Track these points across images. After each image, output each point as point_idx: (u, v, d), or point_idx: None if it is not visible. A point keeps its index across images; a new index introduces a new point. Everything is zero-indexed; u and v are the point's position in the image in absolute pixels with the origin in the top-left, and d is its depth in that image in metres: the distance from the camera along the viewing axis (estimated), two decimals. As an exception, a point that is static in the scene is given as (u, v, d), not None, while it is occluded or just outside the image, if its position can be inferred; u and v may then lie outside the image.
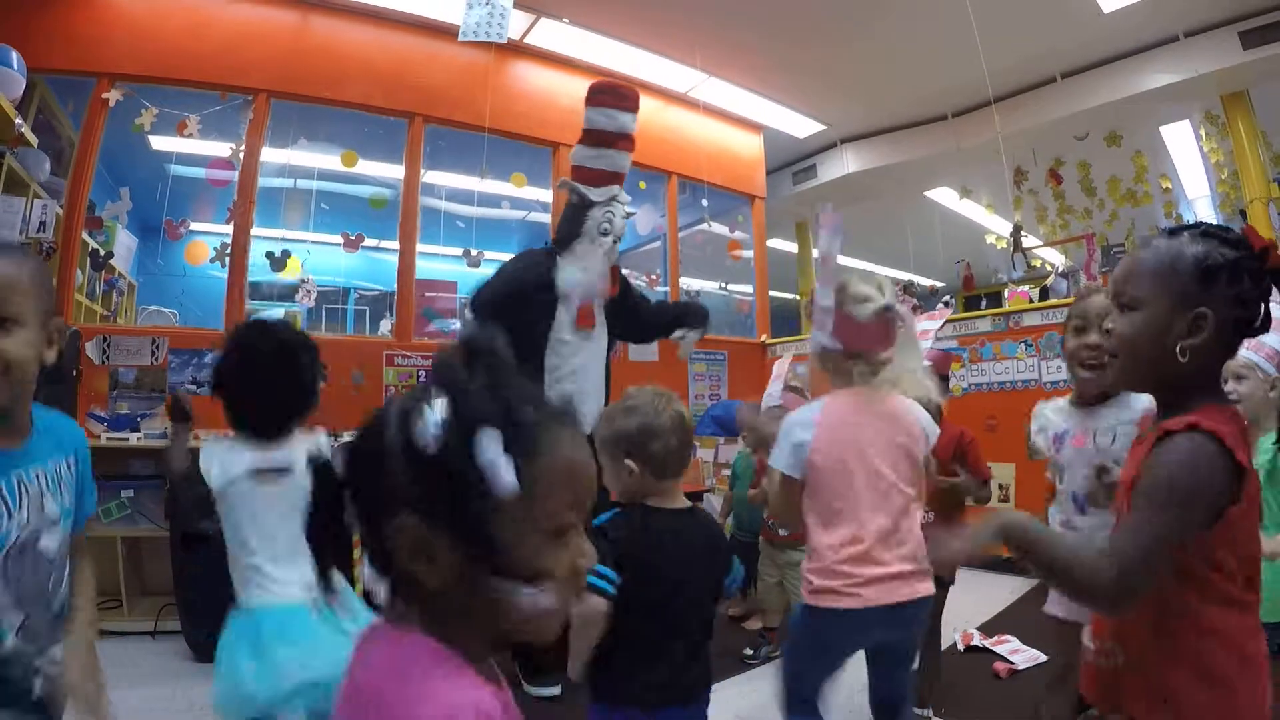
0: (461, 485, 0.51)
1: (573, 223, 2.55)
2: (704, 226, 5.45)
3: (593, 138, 2.57)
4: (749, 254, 5.81)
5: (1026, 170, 6.12)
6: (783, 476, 1.44)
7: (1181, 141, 5.89)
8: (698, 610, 1.29)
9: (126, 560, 2.93)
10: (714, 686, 1.32)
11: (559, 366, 2.49)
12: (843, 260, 1.50)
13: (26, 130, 2.91)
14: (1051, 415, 1.60)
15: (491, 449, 0.51)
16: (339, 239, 4.08)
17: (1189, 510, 0.82)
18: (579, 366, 2.52)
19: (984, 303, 7.70)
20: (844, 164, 6.51)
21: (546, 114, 4.67)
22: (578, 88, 4.83)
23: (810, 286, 1.59)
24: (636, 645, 1.22)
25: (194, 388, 3.27)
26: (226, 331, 1.57)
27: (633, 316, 2.76)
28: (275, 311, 4.54)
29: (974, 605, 3.04)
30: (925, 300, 7.16)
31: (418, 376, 3.87)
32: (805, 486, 1.43)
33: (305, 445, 1.50)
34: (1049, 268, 7.22)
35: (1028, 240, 6.48)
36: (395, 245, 4.22)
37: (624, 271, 2.81)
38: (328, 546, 0.58)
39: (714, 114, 5.57)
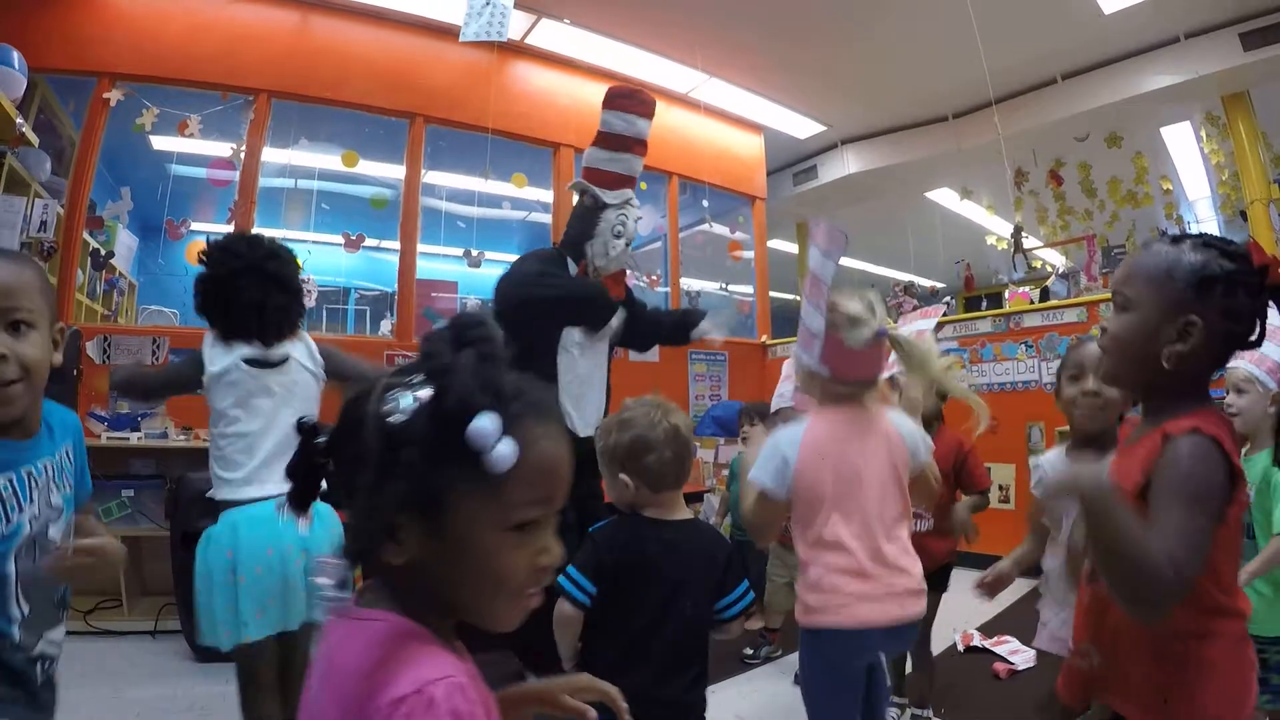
0: (426, 469, 0.52)
1: (585, 224, 2.53)
2: (705, 227, 5.46)
3: (610, 141, 2.56)
4: (749, 254, 5.82)
5: (1027, 171, 6.12)
6: (761, 492, 1.36)
7: (1182, 143, 5.89)
8: (690, 622, 1.27)
9: (126, 559, 2.93)
10: (714, 687, 1.32)
11: (568, 370, 2.49)
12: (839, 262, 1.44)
13: (27, 130, 2.92)
14: (1049, 466, 1.58)
15: (489, 425, 0.51)
16: (340, 239, 4.09)
17: (1213, 509, 0.81)
18: (585, 371, 2.52)
19: (984, 304, 7.70)
20: (845, 165, 6.51)
21: (547, 114, 4.68)
22: (578, 88, 4.90)
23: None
24: (618, 650, 1.22)
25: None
26: (207, 246, 1.62)
27: (633, 323, 2.77)
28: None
29: (974, 605, 3.02)
30: (926, 301, 7.15)
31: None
32: (791, 506, 1.37)
33: (298, 343, 1.66)
34: (1049, 269, 7.20)
35: (1028, 241, 6.47)
36: (396, 245, 4.23)
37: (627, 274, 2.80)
38: (305, 485, 0.59)
39: (715, 114, 5.58)
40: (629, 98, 2.61)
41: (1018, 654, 2.60)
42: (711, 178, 5.36)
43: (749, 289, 5.83)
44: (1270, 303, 0.87)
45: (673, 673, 1.25)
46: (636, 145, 2.59)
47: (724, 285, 5.96)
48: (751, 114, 5.73)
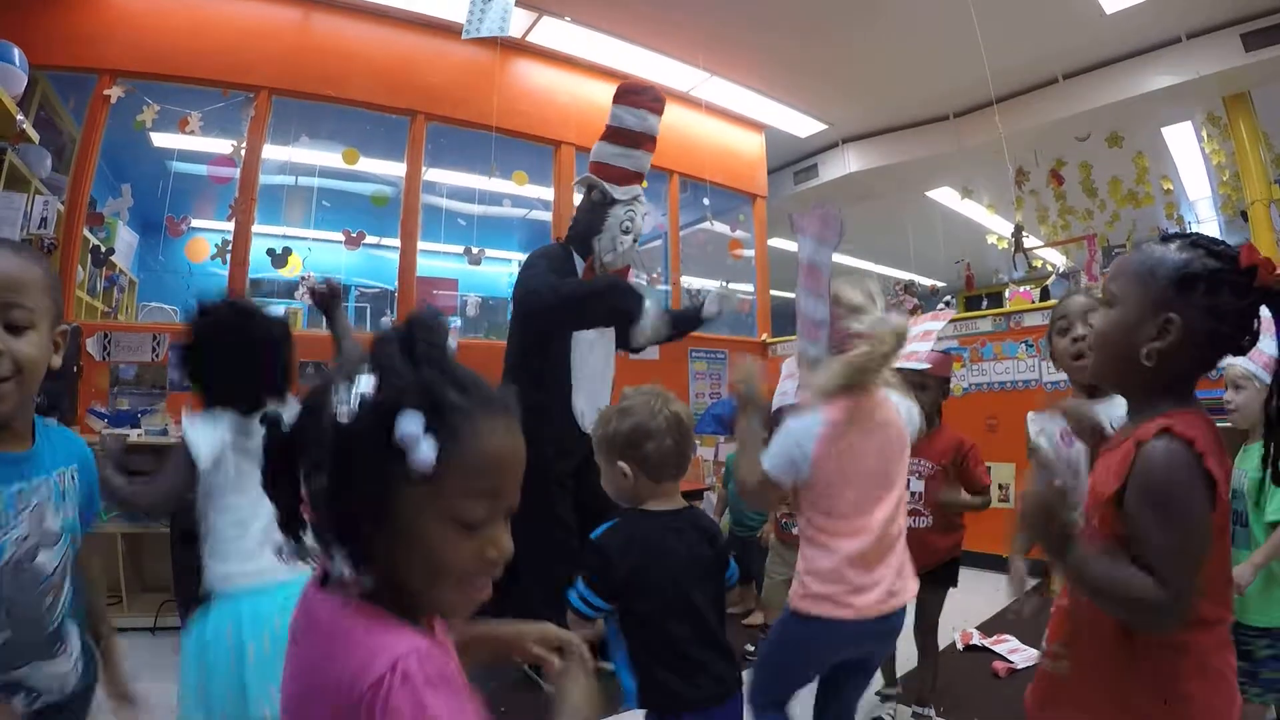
0: (366, 461, 0.53)
1: (593, 219, 2.51)
2: (705, 225, 5.45)
3: (621, 136, 2.54)
4: (750, 253, 5.82)
5: (1028, 171, 6.11)
6: (769, 476, 1.37)
7: (1183, 143, 5.88)
8: (712, 606, 1.28)
9: (127, 556, 2.93)
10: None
11: (579, 365, 2.48)
12: (837, 259, 1.45)
13: (28, 126, 2.92)
14: (1049, 418, 1.60)
15: (412, 427, 0.52)
16: (340, 236, 4.08)
17: (1194, 519, 0.81)
18: (598, 367, 2.51)
19: (985, 303, 7.69)
20: (845, 163, 6.50)
21: (548, 112, 4.68)
22: (579, 86, 4.90)
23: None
24: (662, 653, 1.21)
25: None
26: (195, 315, 1.44)
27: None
28: (276, 309, 4.53)
29: (974, 605, 3.04)
30: (926, 300, 7.15)
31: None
32: (803, 495, 1.39)
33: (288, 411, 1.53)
34: (1050, 268, 7.20)
35: (1029, 241, 6.46)
36: (396, 243, 4.23)
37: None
38: (284, 497, 0.59)
39: (716, 113, 5.57)
40: (642, 93, 2.58)
41: (1017, 653, 2.60)
42: (712, 176, 5.36)
43: (749, 287, 5.83)
44: (1266, 308, 0.85)
45: (716, 656, 1.25)
46: (647, 141, 2.57)
47: (724, 283, 5.95)
48: (752, 112, 5.72)
